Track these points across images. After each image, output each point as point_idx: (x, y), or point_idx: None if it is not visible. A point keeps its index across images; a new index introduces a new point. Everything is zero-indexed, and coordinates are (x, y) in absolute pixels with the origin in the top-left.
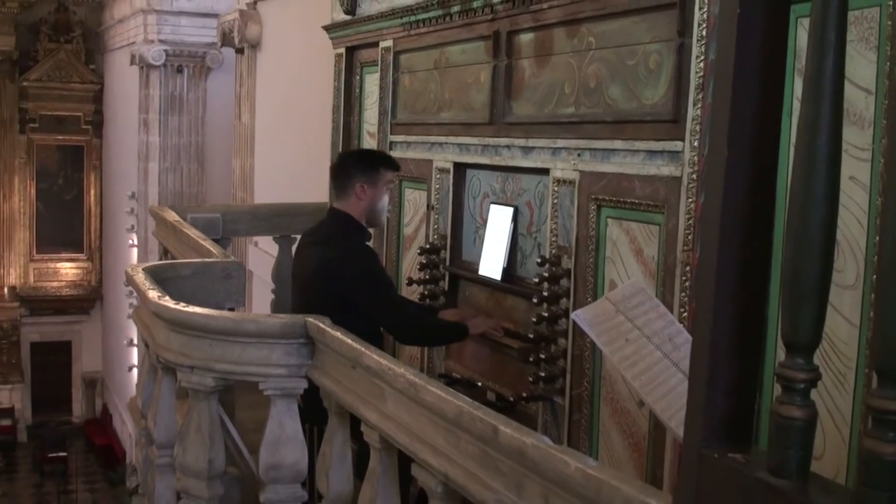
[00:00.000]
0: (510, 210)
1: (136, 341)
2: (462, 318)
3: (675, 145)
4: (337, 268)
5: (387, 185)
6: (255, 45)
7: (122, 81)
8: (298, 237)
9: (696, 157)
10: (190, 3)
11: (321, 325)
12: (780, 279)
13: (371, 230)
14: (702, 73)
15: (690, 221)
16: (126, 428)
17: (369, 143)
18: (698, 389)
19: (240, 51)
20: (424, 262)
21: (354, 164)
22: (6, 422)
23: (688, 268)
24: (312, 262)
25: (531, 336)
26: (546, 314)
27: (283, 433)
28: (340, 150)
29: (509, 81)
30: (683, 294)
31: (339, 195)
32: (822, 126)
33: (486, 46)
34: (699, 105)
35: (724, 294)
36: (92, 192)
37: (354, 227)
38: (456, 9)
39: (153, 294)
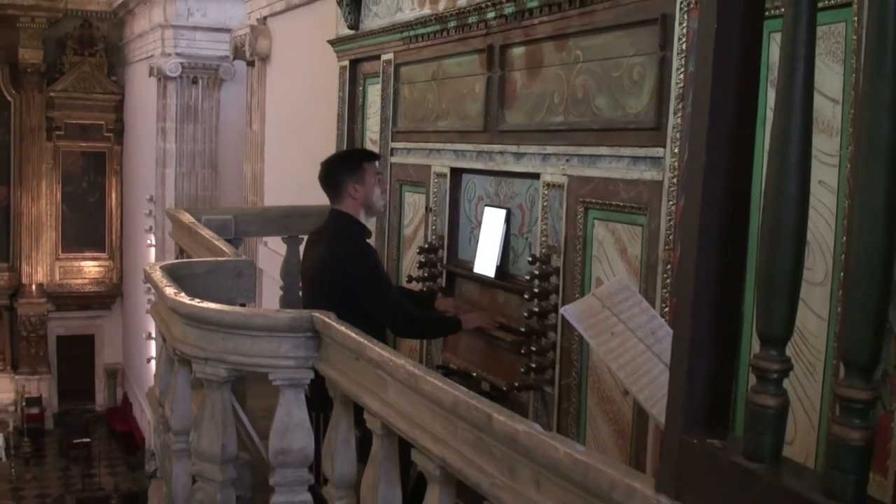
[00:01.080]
0: (503, 212)
1: (153, 335)
2: (457, 311)
3: (657, 151)
4: (339, 266)
5: (375, 177)
6: (265, 58)
7: (142, 92)
8: (305, 237)
9: (676, 163)
10: (204, 18)
11: (326, 319)
12: (755, 276)
13: (372, 231)
14: (682, 84)
15: (671, 222)
16: (145, 416)
17: (371, 149)
18: (679, 379)
19: (251, 63)
20: (423, 260)
21: (340, 168)
22: (35, 410)
23: (669, 266)
24: (317, 260)
25: (523, 330)
26: (537, 309)
27: (291, 420)
28: None
29: (502, 92)
30: (665, 290)
31: (335, 199)
32: (794, 134)
33: (481, 59)
34: (679, 114)
35: (703, 290)
36: (113, 195)
37: (356, 226)
38: (452, 24)
39: (170, 290)
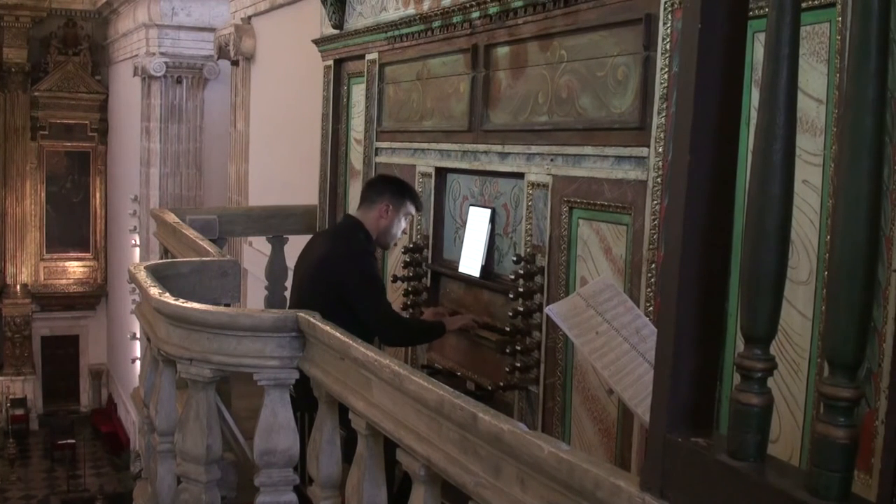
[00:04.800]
0: (488, 211)
1: (138, 335)
2: (437, 316)
3: (642, 151)
4: (338, 264)
5: (406, 216)
6: (249, 58)
7: (126, 91)
8: (290, 237)
9: (660, 162)
10: (189, 18)
11: (311, 319)
12: (739, 275)
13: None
14: (666, 84)
15: (655, 222)
16: (130, 416)
17: (356, 149)
18: (663, 378)
19: (235, 63)
20: (408, 260)
21: (388, 186)
22: (19, 411)
23: (653, 265)
24: (316, 255)
25: (508, 329)
26: (521, 309)
27: (276, 421)
28: (329, 155)
29: (487, 92)
30: (649, 290)
31: (364, 206)
32: (778, 133)
33: (465, 59)
34: (663, 114)
35: (687, 290)
36: (98, 195)
37: (364, 234)
38: (437, 24)
39: (154, 291)
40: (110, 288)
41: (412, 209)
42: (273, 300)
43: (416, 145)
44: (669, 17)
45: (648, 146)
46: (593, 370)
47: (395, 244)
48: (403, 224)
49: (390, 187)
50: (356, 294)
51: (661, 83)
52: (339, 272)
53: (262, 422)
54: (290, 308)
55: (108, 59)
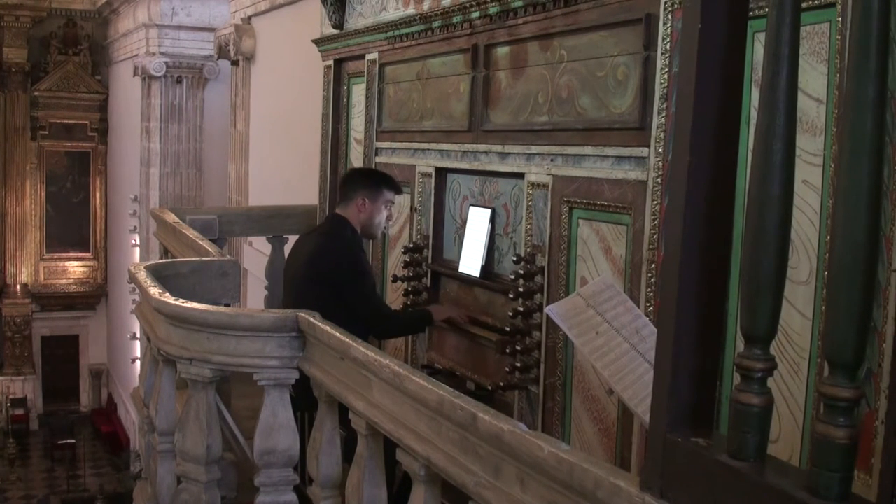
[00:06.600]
0: (488, 211)
1: (138, 335)
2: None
3: (642, 151)
4: (329, 259)
5: (386, 204)
6: (249, 58)
7: (126, 91)
8: (290, 237)
9: (660, 163)
10: (189, 17)
11: (311, 319)
12: (739, 275)
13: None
14: (666, 84)
15: (656, 222)
16: (130, 416)
17: (356, 149)
18: (663, 378)
19: (235, 63)
20: (408, 260)
21: (361, 179)
22: (19, 411)
23: (653, 265)
24: (306, 252)
25: (508, 329)
26: (521, 309)
27: (276, 421)
28: (329, 155)
29: (487, 92)
30: (649, 290)
31: (342, 203)
32: (778, 133)
33: (465, 59)
34: (663, 114)
35: (687, 290)
36: (98, 195)
37: (350, 229)
38: (437, 24)
39: (154, 291)
40: (110, 288)
41: (391, 196)
42: (273, 300)
43: (416, 145)
44: (669, 17)
45: (648, 146)
46: (593, 370)
47: (384, 232)
48: (385, 212)
49: (364, 180)
50: (346, 283)
51: (661, 83)
52: (330, 267)
53: (262, 422)
54: (283, 308)
55: (108, 59)
